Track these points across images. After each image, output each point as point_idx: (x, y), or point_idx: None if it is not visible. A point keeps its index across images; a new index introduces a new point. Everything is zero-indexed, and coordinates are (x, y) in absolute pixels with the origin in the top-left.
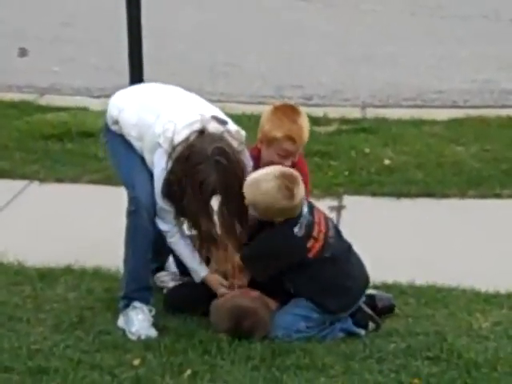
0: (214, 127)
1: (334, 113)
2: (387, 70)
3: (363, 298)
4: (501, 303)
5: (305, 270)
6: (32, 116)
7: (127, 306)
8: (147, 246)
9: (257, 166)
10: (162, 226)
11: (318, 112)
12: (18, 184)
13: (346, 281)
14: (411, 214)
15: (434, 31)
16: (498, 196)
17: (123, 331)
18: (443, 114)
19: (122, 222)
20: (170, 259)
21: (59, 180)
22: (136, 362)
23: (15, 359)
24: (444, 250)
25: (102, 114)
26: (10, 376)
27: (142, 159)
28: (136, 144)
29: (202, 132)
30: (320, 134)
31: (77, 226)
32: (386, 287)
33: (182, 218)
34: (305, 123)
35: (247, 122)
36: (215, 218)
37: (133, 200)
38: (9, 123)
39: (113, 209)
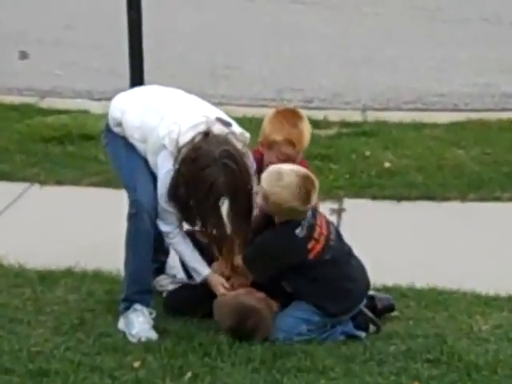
0: (218, 129)
1: (334, 116)
2: (388, 73)
3: (364, 301)
4: (501, 306)
5: (305, 272)
6: (33, 119)
7: (128, 308)
8: (148, 249)
9: (259, 169)
10: (164, 227)
11: (319, 115)
12: (19, 186)
13: (346, 283)
14: (411, 217)
15: (435, 34)
16: (498, 199)
17: (124, 333)
18: (444, 117)
19: (122, 224)
20: (170, 262)
21: (59, 182)
22: (136, 364)
23: (16, 361)
24: (444, 252)
25: (103, 116)
26: (10, 378)
27: (144, 161)
28: (139, 146)
29: (206, 134)
30: (320, 137)
31: (77, 229)
32: (386, 290)
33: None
34: (306, 128)
35: (248, 124)
36: (224, 219)
37: (134, 203)
38: (9, 126)
39: (113, 211)
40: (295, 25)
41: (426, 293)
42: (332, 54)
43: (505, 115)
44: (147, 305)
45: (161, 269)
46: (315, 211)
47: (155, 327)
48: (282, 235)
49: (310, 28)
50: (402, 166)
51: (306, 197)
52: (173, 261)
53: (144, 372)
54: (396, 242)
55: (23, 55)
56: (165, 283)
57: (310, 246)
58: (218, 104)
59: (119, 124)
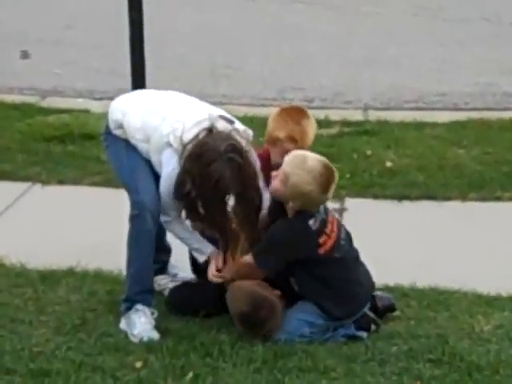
0: (222, 125)
1: (335, 115)
2: (389, 73)
3: (368, 305)
4: (503, 306)
5: (313, 267)
6: (34, 118)
7: (129, 308)
8: (150, 250)
9: (266, 168)
10: (164, 218)
11: (320, 114)
12: (20, 186)
13: (353, 286)
14: (413, 217)
15: (436, 34)
16: (499, 199)
17: (125, 333)
18: (445, 117)
19: (123, 224)
20: (173, 261)
21: (61, 182)
22: (138, 364)
23: (17, 361)
24: (446, 252)
25: (104, 116)
26: (12, 378)
27: (145, 162)
28: (141, 146)
29: (210, 130)
30: (322, 136)
31: (78, 228)
32: (387, 289)
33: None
34: (309, 125)
35: (249, 124)
36: (231, 214)
37: (136, 204)
38: (10, 125)
39: (114, 211)
40: (296, 24)
41: (427, 292)
42: (333, 54)
43: (506, 115)
44: (149, 305)
45: (163, 269)
46: (326, 209)
47: (157, 327)
48: (296, 224)
49: (311, 27)
50: (403, 166)
51: (325, 185)
52: (175, 260)
53: (146, 372)
54: (397, 242)
55: (25, 55)
56: (163, 283)
57: (321, 240)
58: (218, 103)
59: (120, 126)
